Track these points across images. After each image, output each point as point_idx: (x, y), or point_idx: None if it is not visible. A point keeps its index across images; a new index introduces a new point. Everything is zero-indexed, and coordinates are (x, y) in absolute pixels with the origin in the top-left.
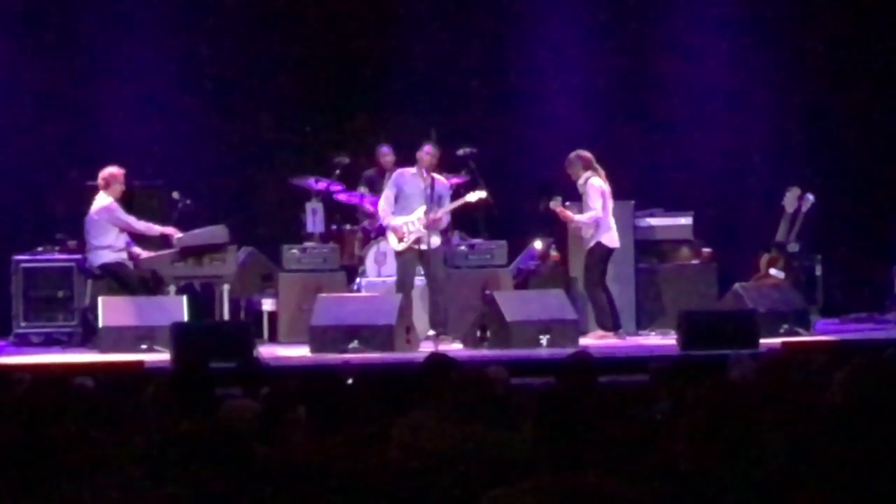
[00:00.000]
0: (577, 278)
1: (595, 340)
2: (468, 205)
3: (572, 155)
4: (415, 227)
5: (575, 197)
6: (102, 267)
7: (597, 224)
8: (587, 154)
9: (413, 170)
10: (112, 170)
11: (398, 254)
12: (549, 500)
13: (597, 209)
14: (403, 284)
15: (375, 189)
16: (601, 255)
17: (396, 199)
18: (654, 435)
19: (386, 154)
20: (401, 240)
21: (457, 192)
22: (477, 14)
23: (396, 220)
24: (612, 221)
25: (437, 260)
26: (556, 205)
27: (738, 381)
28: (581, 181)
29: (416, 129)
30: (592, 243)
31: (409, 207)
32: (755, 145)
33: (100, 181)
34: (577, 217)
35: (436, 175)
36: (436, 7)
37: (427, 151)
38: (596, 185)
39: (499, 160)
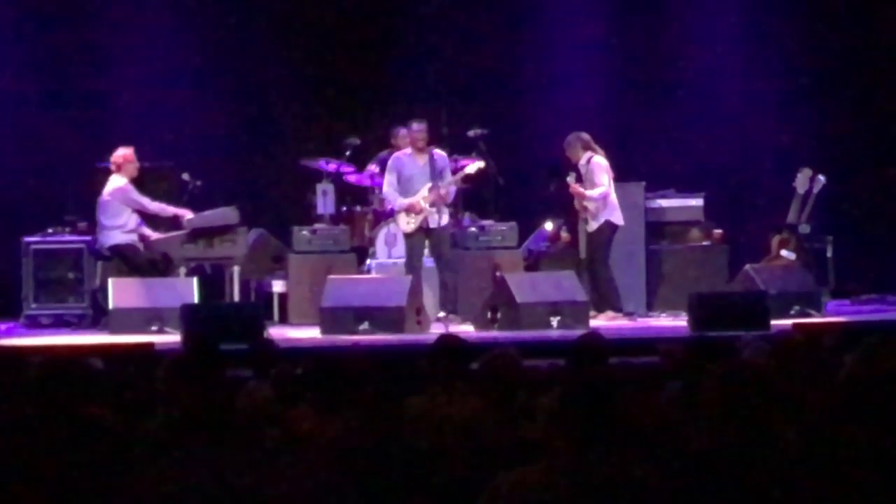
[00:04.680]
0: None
1: (606, 322)
2: (469, 177)
3: (571, 136)
4: (422, 207)
5: (577, 178)
6: (112, 248)
7: (604, 201)
8: (585, 135)
9: (408, 151)
10: (123, 151)
11: (407, 235)
12: (562, 481)
13: (605, 184)
14: (412, 265)
15: None
16: (609, 233)
17: (398, 181)
18: (665, 416)
19: (405, 136)
20: (419, 213)
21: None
22: None
23: (407, 200)
24: (615, 199)
25: (445, 238)
26: (570, 180)
27: (750, 361)
28: (583, 161)
29: (427, 111)
30: (601, 222)
31: (412, 189)
32: (766, 126)
33: (112, 164)
34: (588, 192)
35: (434, 150)
36: None
37: (415, 130)
38: (602, 164)
39: (509, 141)
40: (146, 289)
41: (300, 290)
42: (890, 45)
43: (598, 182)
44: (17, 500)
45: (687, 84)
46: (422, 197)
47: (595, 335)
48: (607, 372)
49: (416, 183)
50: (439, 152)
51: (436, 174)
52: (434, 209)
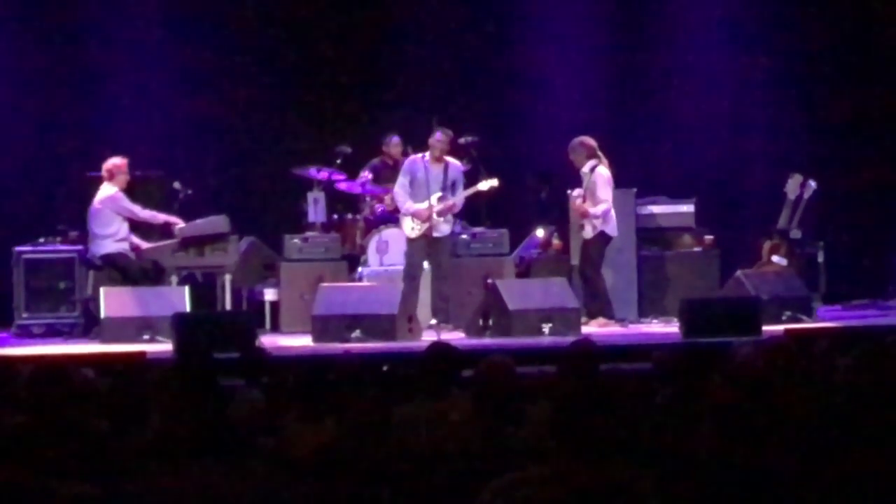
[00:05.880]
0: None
1: (598, 328)
2: (479, 193)
3: (575, 141)
4: (429, 215)
5: (576, 183)
6: (104, 258)
7: (605, 215)
8: (591, 141)
9: (424, 156)
10: (115, 161)
11: (410, 241)
12: (552, 488)
13: (608, 200)
14: (411, 272)
15: (380, 179)
16: (604, 243)
17: (410, 185)
18: (657, 422)
19: (396, 144)
20: (425, 221)
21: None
22: (478, 3)
23: (415, 206)
24: (613, 212)
25: (446, 247)
26: (575, 195)
27: (742, 367)
28: (586, 169)
29: (418, 119)
30: (597, 232)
31: (422, 194)
32: (757, 132)
33: (104, 173)
34: (592, 210)
35: (449, 159)
36: None
37: (438, 139)
38: (604, 175)
39: (501, 148)
40: (138, 298)
41: (292, 298)
42: (881, 50)
43: (601, 196)
44: None
45: (678, 90)
46: (431, 207)
47: (587, 342)
48: (600, 379)
49: (426, 190)
50: (453, 161)
51: (448, 184)
52: (441, 219)
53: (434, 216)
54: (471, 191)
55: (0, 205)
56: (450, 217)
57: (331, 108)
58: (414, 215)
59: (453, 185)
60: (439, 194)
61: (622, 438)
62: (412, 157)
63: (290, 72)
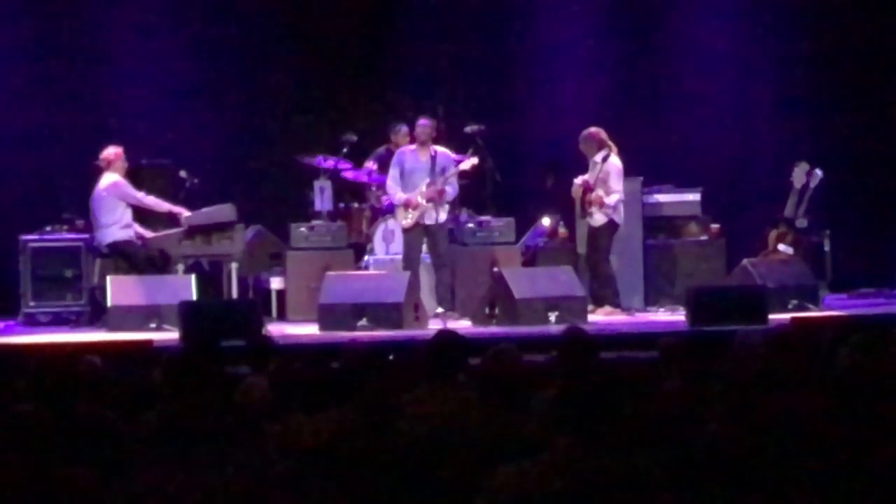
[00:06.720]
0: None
1: (604, 317)
2: (464, 173)
3: (584, 134)
4: (419, 202)
5: (582, 172)
6: (110, 246)
7: (618, 204)
8: (599, 132)
9: (413, 146)
10: (112, 149)
11: (405, 230)
12: (561, 475)
13: (621, 191)
14: (409, 261)
15: (385, 168)
16: (612, 231)
17: (401, 176)
18: (664, 410)
19: (405, 134)
20: (415, 209)
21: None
22: None
23: (406, 195)
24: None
25: (442, 235)
26: (578, 182)
27: (747, 356)
28: (598, 158)
29: (424, 107)
30: (605, 220)
31: (413, 184)
32: (763, 120)
33: (102, 162)
34: (606, 199)
35: (438, 148)
36: None
37: (421, 125)
38: (617, 166)
39: (507, 137)
40: (144, 286)
41: (298, 287)
42: (886, 38)
43: (613, 187)
44: (16, 498)
45: (684, 79)
46: (419, 193)
47: (578, 330)
48: (600, 368)
49: (416, 179)
50: (442, 150)
51: (437, 171)
52: (430, 205)
53: (421, 201)
54: (454, 171)
55: (7, 193)
56: (445, 205)
57: (337, 96)
58: (405, 204)
59: (443, 171)
60: (427, 181)
61: (629, 426)
62: (400, 148)
63: (296, 60)
